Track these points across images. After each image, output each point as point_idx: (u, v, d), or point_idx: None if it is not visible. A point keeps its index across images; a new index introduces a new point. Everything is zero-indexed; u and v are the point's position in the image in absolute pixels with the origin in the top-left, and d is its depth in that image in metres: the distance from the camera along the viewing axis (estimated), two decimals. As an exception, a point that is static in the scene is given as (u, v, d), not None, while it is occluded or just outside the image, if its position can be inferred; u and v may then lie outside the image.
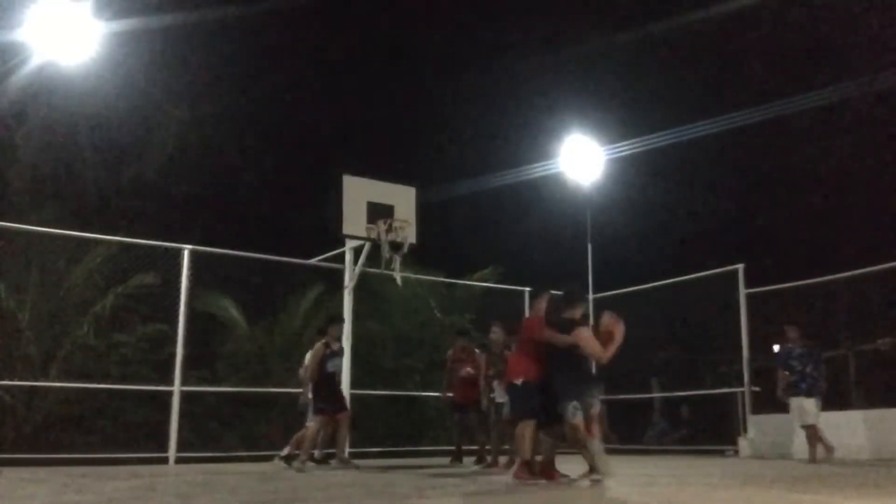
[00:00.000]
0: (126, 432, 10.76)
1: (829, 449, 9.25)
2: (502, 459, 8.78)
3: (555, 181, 15.89)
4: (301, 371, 9.18)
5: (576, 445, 6.43)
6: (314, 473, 7.82)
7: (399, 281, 10.86)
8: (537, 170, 16.60)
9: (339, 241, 10.71)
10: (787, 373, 9.59)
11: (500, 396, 8.46)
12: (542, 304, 6.98)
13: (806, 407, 9.34)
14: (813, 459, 9.16)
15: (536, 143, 18.77)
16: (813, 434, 9.32)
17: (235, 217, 16.27)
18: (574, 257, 15.20)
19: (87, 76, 13.07)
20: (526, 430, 6.51)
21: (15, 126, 13.21)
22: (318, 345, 8.63)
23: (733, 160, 22.11)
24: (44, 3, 10.88)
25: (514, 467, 6.76)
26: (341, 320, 9.51)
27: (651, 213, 21.44)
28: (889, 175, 17.65)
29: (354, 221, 10.27)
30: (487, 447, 9.34)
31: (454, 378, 9.89)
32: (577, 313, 6.68)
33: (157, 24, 14.50)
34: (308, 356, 8.85)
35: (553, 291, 7.07)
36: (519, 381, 6.68)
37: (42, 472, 7.22)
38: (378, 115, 22.62)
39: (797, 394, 9.43)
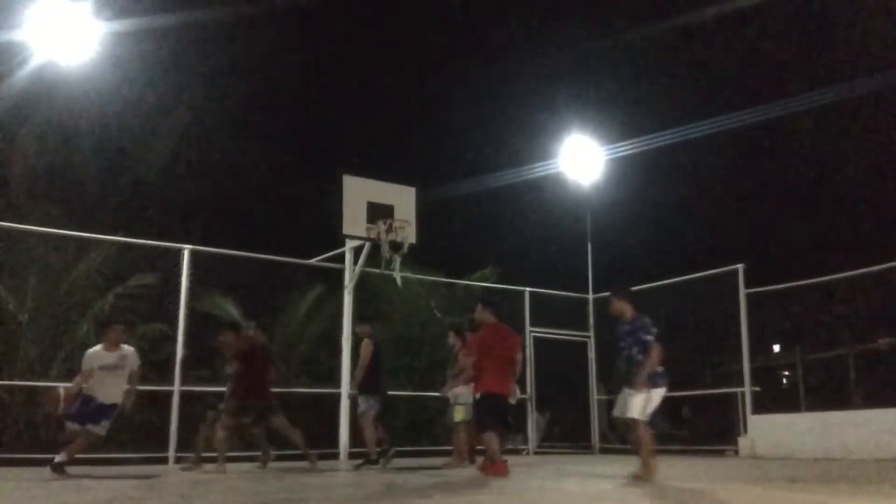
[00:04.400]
0: (126, 432, 10.74)
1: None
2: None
3: (555, 181, 15.88)
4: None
5: None
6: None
7: (399, 281, 10.85)
8: (537, 170, 16.59)
9: (339, 241, 10.70)
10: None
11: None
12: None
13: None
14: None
15: (536, 143, 18.78)
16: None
17: (235, 217, 16.26)
18: (574, 257, 15.20)
19: (87, 76, 13.06)
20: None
21: (15, 126, 13.21)
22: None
23: (733, 160, 22.14)
24: (44, 3, 10.87)
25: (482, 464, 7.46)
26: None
27: (651, 213, 21.45)
28: (889, 175, 17.66)
29: (354, 221, 10.26)
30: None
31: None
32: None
33: (157, 24, 14.50)
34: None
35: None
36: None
37: (42, 472, 7.21)
38: (378, 115, 22.66)
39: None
